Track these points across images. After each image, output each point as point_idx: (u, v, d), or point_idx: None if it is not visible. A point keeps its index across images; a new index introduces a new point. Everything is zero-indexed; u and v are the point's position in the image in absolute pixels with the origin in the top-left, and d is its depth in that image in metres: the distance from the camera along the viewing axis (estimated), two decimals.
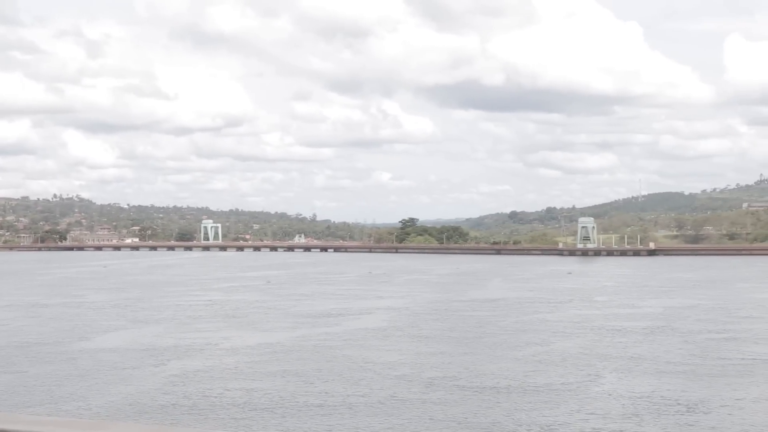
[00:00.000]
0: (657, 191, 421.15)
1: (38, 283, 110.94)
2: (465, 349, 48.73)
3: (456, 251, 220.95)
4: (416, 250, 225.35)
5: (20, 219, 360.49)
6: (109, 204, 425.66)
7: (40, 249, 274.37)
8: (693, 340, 51.75)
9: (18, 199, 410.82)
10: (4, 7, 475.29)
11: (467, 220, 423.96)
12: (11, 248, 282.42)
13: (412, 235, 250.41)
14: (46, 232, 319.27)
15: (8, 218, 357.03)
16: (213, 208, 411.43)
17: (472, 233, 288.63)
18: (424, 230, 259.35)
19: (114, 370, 42.02)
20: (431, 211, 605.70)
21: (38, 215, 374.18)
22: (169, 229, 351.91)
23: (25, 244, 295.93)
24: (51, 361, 45.12)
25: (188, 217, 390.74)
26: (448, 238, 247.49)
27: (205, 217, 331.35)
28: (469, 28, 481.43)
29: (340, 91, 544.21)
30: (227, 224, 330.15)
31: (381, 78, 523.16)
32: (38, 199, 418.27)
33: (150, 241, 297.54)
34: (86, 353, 48.06)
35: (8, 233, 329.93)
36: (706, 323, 60.73)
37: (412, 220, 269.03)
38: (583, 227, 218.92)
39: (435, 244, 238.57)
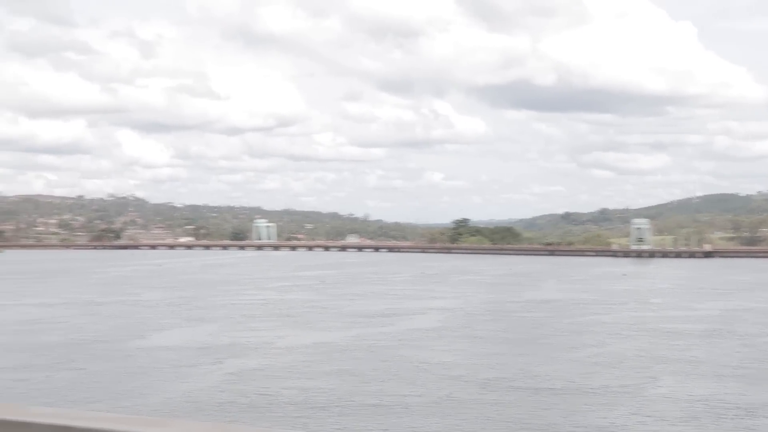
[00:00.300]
0: (712, 192, 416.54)
1: (95, 281, 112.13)
2: (520, 350, 48.55)
3: (509, 252, 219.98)
4: (469, 251, 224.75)
5: (76, 218, 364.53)
6: (163, 203, 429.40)
7: (95, 248, 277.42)
8: (751, 344, 51.11)
9: (74, 198, 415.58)
10: (57, 8, 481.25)
11: (520, 220, 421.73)
12: (68, 247, 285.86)
13: (465, 235, 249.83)
14: (102, 230, 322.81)
15: (64, 217, 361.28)
16: (266, 207, 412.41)
17: (525, 234, 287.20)
18: (477, 231, 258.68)
19: (171, 368, 42.40)
20: (483, 212, 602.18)
21: (93, 214, 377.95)
22: (222, 229, 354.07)
23: (82, 242, 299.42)
24: (109, 359, 45.63)
25: (241, 216, 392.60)
26: (501, 239, 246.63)
27: (258, 216, 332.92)
28: (520, 28, 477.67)
29: (391, 91, 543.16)
30: (280, 224, 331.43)
31: (432, 78, 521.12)
32: (94, 198, 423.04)
33: (204, 240, 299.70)
34: (143, 351, 48.53)
35: (65, 232, 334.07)
36: (764, 326, 59.96)
37: (465, 221, 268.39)
38: (637, 228, 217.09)
39: (488, 244, 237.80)
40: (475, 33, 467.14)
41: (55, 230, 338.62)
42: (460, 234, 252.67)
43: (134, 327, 59.63)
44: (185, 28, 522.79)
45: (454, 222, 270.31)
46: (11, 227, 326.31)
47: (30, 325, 60.44)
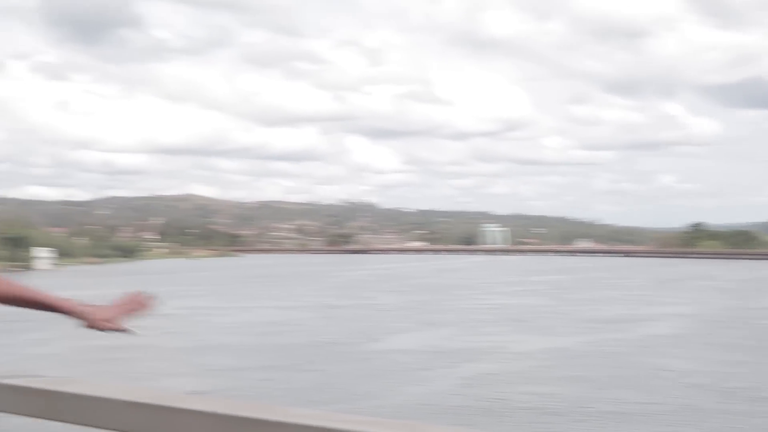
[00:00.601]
0: None
1: (330, 284, 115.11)
2: (766, 359, 46.49)
3: (748, 256, 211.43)
4: (705, 255, 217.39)
5: (310, 223, 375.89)
6: (393, 208, 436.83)
7: (329, 252, 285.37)
8: None
9: (307, 203, 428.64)
10: (287, 20, 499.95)
11: (759, 224, 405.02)
12: (303, 251, 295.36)
13: (700, 239, 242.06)
14: (336, 235, 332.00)
15: (299, 222, 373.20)
16: (494, 211, 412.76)
17: (766, 238, 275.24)
18: (713, 235, 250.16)
19: (406, 371, 42.94)
20: (719, 215, 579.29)
21: (327, 219, 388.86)
22: (451, 233, 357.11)
23: (316, 246, 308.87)
24: (346, 361, 46.69)
25: (470, 221, 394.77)
26: (741, 243, 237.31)
27: (487, 220, 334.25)
28: (752, 24, 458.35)
29: (618, 93, 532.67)
30: (509, 228, 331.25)
31: (660, 78, 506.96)
32: (326, 203, 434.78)
33: (434, 245, 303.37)
34: (378, 354, 49.41)
35: (300, 236, 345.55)
36: None
37: (699, 225, 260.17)
38: None
39: (725, 249, 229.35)
40: (704, 30, 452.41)
41: (291, 235, 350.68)
42: (695, 238, 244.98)
43: (369, 330, 60.78)
44: (410, 35, 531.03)
45: (688, 226, 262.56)
46: (250, 232, 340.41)
47: (271, 327, 62.67)
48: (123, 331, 3.22)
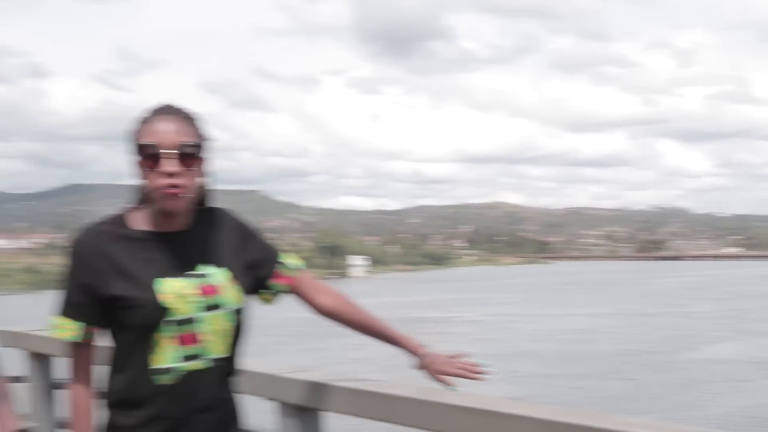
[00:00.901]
0: None
1: (641, 292, 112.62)
2: None
3: None
4: None
5: (620, 229, 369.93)
6: (706, 213, 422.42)
7: (639, 259, 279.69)
8: None
9: (617, 209, 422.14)
10: (594, 24, 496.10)
11: None
12: (612, 258, 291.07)
13: None
14: (646, 242, 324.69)
15: (608, 228, 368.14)
16: None
17: None
18: None
19: (724, 382, 41.27)
20: None
21: (637, 225, 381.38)
22: None
23: (626, 253, 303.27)
24: (659, 370, 45.47)
25: None
26: None
27: None
28: None
29: None
30: None
31: None
32: (636, 209, 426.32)
33: (750, 251, 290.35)
34: (694, 363, 47.76)
35: (609, 243, 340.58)
36: None
37: None
38: None
39: None
40: None
41: (600, 241, 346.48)
42: None
43: (683, 338, 58.91)
44: (722, 33, 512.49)
45: None
46: (558, 239, 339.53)
47: (581, 334, 62.07)
48: (447, 384, 3.24)
